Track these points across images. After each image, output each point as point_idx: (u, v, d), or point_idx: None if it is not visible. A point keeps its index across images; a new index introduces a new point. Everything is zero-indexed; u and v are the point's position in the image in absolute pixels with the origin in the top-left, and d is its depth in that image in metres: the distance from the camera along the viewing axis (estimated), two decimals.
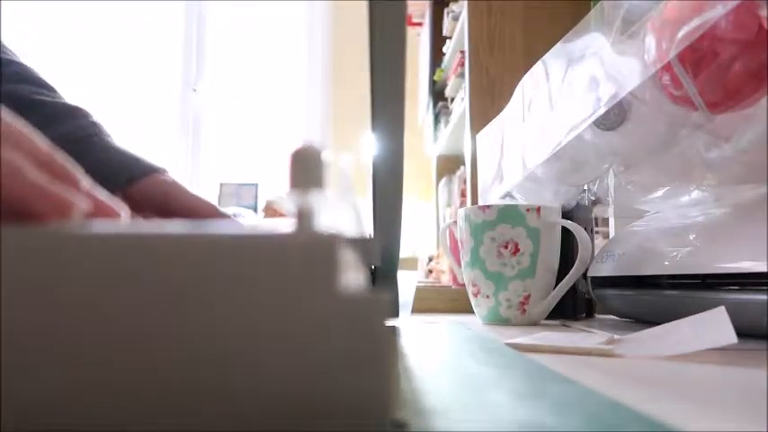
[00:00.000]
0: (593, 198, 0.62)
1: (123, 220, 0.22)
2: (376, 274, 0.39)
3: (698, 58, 0.40)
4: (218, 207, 0.44)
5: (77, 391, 0.15)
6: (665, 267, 0.48)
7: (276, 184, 2.28)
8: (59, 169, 0.20)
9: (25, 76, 0.45)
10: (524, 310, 0.60)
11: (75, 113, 0.45)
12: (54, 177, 0.19)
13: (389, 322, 0.16)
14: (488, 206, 0.61)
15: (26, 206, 0.18)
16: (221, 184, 2.30)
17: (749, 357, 0.34)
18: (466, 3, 1.37)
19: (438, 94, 1.91)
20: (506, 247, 0.59)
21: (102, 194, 0.21)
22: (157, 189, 0.43)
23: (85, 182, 0.21)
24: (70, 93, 0.47)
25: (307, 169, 0.17)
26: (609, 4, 0.51)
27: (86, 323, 0.15)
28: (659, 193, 0.56)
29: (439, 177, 2.02)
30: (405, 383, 0.24)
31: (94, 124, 0.46)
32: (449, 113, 1.77)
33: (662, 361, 0.32)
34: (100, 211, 0.21)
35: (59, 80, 0.48)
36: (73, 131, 0.44)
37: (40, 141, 0.19)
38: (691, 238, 0.47)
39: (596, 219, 0.81)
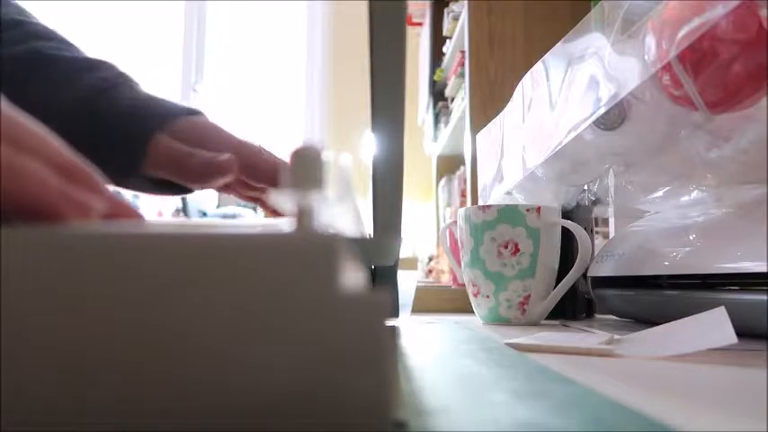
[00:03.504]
0: (593, 198, 0.62)
1: (143, 221, 0.22)
2: (376, 274, 0.39)
3: (698, 58, 0.40)
4: (263, 148, 0.42)
5: (78, 391, 0.15)
6: (665, 267, 0.48)
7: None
8: (78, 172, 0.20)
9: (42, 33, 0.43)
10: (524, 311, 0.60)
11: (100, 66, 0.43)
12: (72, 180, 0.19)
13: (389, 322, 0.16)
14: (488, 206, 0.61)
15: (46, 210, 0.18)
16: None
17: (749, 357, 0.34)
18: (466, 2, 1.37)
19: (438, 94, 1.91)
20: (506, 247, 0.59)
21: (122, 197, 0.21)
22: (194, 132, 0.41)
23: (104, 185, 0.21)
24: None
25: (307, 169, 0.17)
26: (609, 4, 0.51)
27: (87, 323, 0.15)
28: (659, 193, 0.56)
29: (439, 177, 2.02)
30: (405, 383, 0.24)
31: (121, 74, 0.43)
32: (449, 113, 1.77)
33: (662, 361, 0.32)
34: (120, 212, 0.21)
35: None
36: (98, 83, 0.41)
37: (60, 145, 0.20)
38: (691, 238, 0.47)
39: (596, 219, 0.81)
